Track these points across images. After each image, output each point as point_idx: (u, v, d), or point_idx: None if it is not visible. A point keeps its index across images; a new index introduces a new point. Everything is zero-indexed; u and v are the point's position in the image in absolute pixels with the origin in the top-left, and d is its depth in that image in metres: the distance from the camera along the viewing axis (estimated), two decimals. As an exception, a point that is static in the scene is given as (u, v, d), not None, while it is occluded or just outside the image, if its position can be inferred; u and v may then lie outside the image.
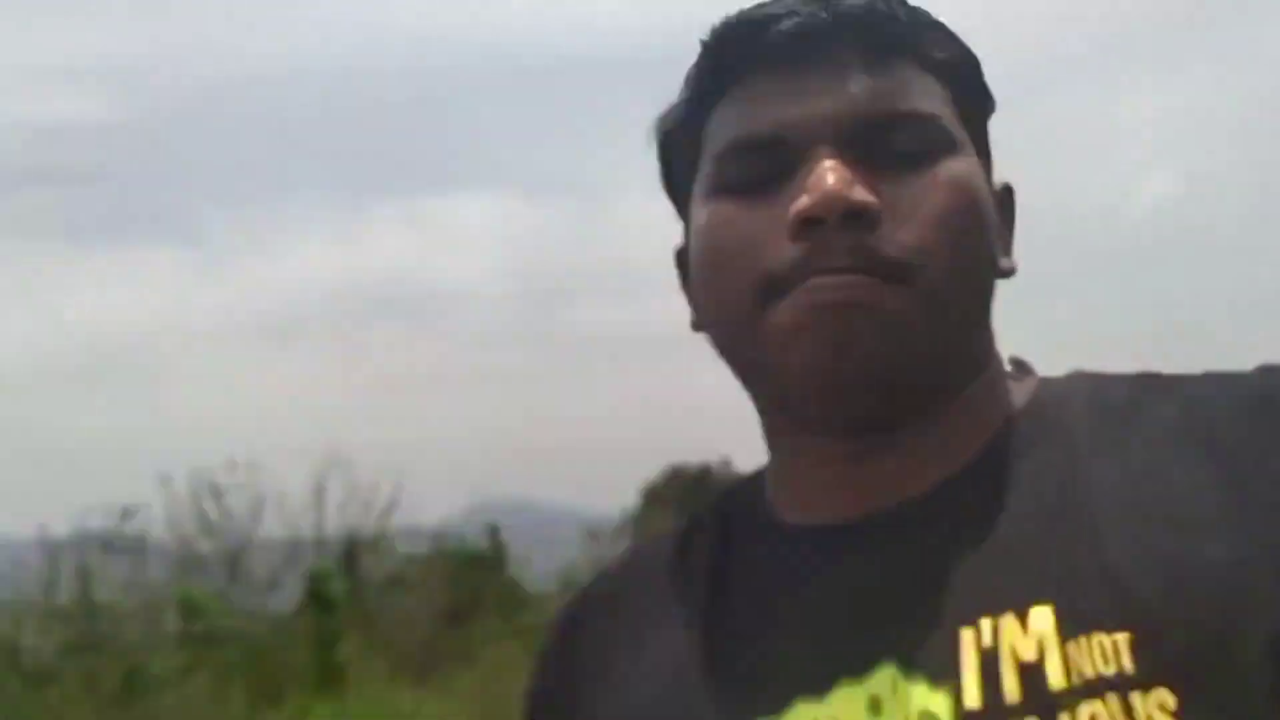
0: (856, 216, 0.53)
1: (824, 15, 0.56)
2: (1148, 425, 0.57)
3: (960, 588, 0.54)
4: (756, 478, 0.67)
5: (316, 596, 10.14)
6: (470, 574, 16.07)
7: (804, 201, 0.54)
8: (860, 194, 0.53)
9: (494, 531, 18.39)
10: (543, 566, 18.93)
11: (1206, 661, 0.48)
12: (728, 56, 0.59)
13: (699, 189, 0.61)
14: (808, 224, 0.54)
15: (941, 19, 0.62)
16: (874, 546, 0.57)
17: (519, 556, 18.26)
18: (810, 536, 0.60)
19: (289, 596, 13.32)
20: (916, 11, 0.60)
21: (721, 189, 0.59)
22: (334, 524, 13.78)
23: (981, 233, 0.58)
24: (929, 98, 0.58)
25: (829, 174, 0.53)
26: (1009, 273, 0.62)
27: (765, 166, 0.57)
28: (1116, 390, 0.60)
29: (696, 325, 0.65)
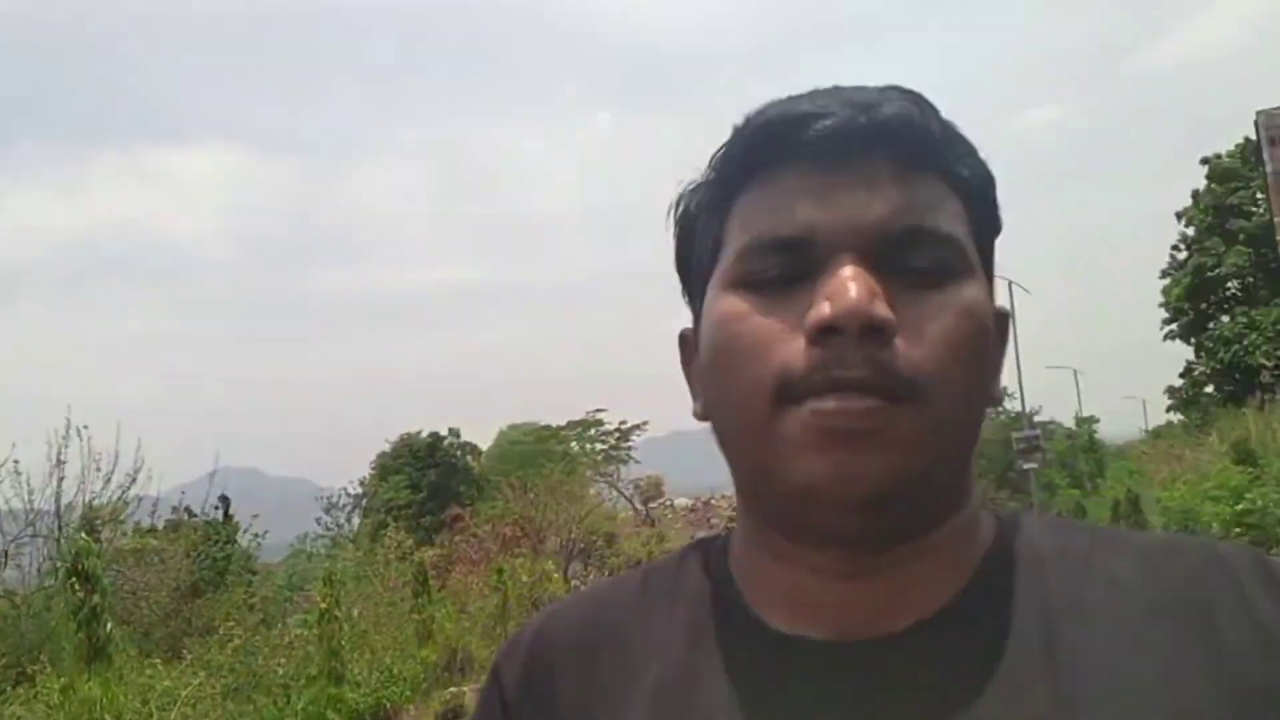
0: (875, 331, 0.54)
1: (861, 120, 0.57)
2: (1114, 592, 0.59)
3: None
4: (716, 559, 0.68)
5: (77, 571, 10.39)
6: (206, 546, 16.26)
7: (825, 310, 0.55)
8: (880, 309, 0.54)
9: (226, 503, 18.56)
10: (276, 537, 19.33)
11: None
12: (760, 146, 0.60)
13: (719, 277, 0.62)
14: (827, 331, 0.55)
15: (967, 135, 0.62)
16: (866, 671, 0.59)
17: (252, 527, 18.54)
18: (800, 649, 0.60)
19: (28, 569, 13.30)
20: (948, 126, 0.61)
21: (742, 283, 0.60)
22: (70, 494, 13.78)
23: (984, 362, 0.59)
24: (950, 218, 0.59)
25: (851, 286, 0.54)
26: (999, 401, 0.63)
27: (788, 265, 0.58)
28: (1076, 541, 0.63)
29: (700, 415, 0.66)
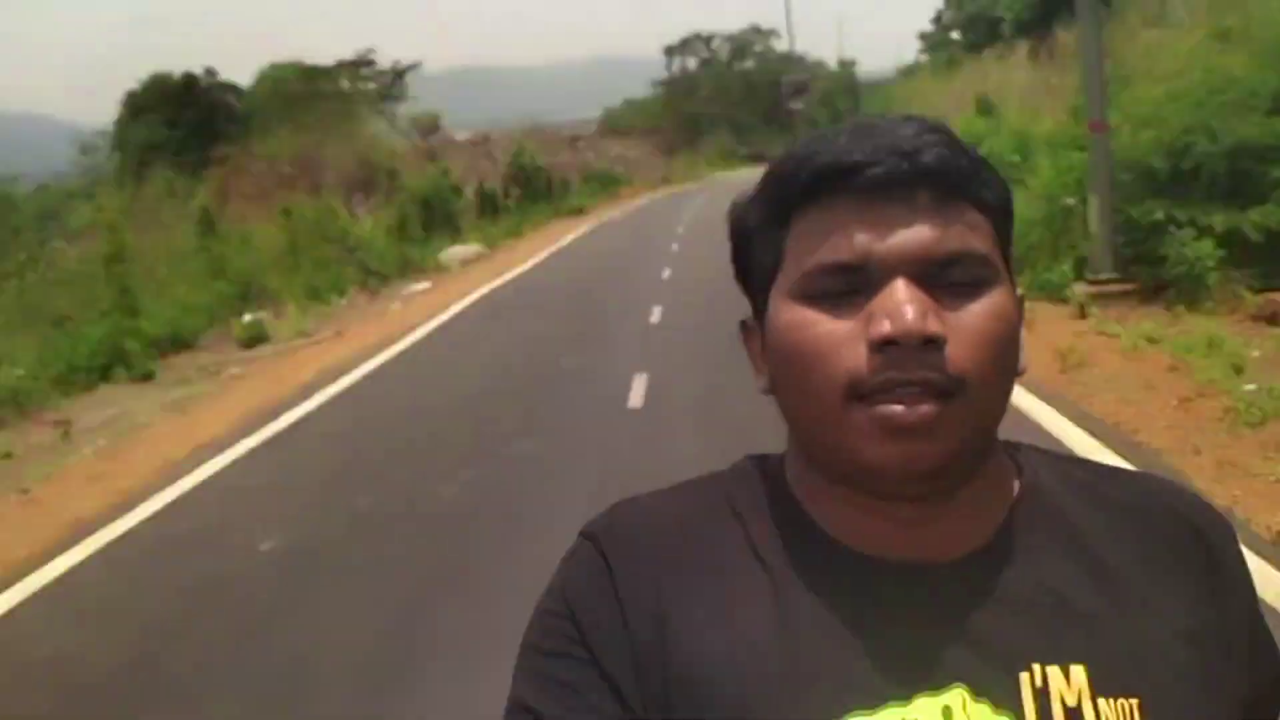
0: (929, 342, 0.64)
1: (905, 166, 0.66)
2: (1126, 515, 0.75)
3: (1018, 636, 0.68)
4: (777, 483, 0.77)
5: None
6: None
7: (887, 326, 0.64)
8: (933, 325, 0.64)
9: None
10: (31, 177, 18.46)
11: None
12: (819, 183, 0.68)
13: (784, 289, 0.71)
14: (888, 343, 0.65)
15: (989, 161, 0.72)
16: (946, 587, 0.70)
17: (7, 169, 17.66)
18: (886, 569, 0.70)
19: None
20: (975, 159, 0.70)
21: (807, 296, 0.69)
22: None
23: (1013, 354, 0.70)
24: (982, 237, 0.69)
25: (908, 305, 0.64)
26: (1023, 372, 0.72)
27: (848, 283, 0.67)
28: (1077, 473, 0.78)
29: (766, 391, 0.76)
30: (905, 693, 0.66)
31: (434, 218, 27.34)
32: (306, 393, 9.55)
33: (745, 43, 73.32)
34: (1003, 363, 0.68)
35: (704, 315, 11.54)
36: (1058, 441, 5.43)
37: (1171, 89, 9.40)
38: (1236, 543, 0.78)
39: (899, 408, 0.64)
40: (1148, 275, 8.97)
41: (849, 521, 0.71)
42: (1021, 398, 6.25)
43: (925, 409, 0.64)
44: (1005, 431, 0.74)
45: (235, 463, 7.29)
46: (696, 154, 62.00)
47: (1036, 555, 0.72)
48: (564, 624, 0.72)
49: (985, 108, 16.01)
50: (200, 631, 4.49)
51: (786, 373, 0.70)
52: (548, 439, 6.98)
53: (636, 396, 7.87)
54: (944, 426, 0.65)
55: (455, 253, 23.14)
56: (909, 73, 38.22)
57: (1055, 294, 9.51)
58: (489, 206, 32.91)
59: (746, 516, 0.74)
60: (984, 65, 24.46)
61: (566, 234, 27.08)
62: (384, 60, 47.73)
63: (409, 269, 20.88)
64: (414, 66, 54.22)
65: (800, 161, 0.69)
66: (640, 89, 76.70)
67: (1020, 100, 17.78)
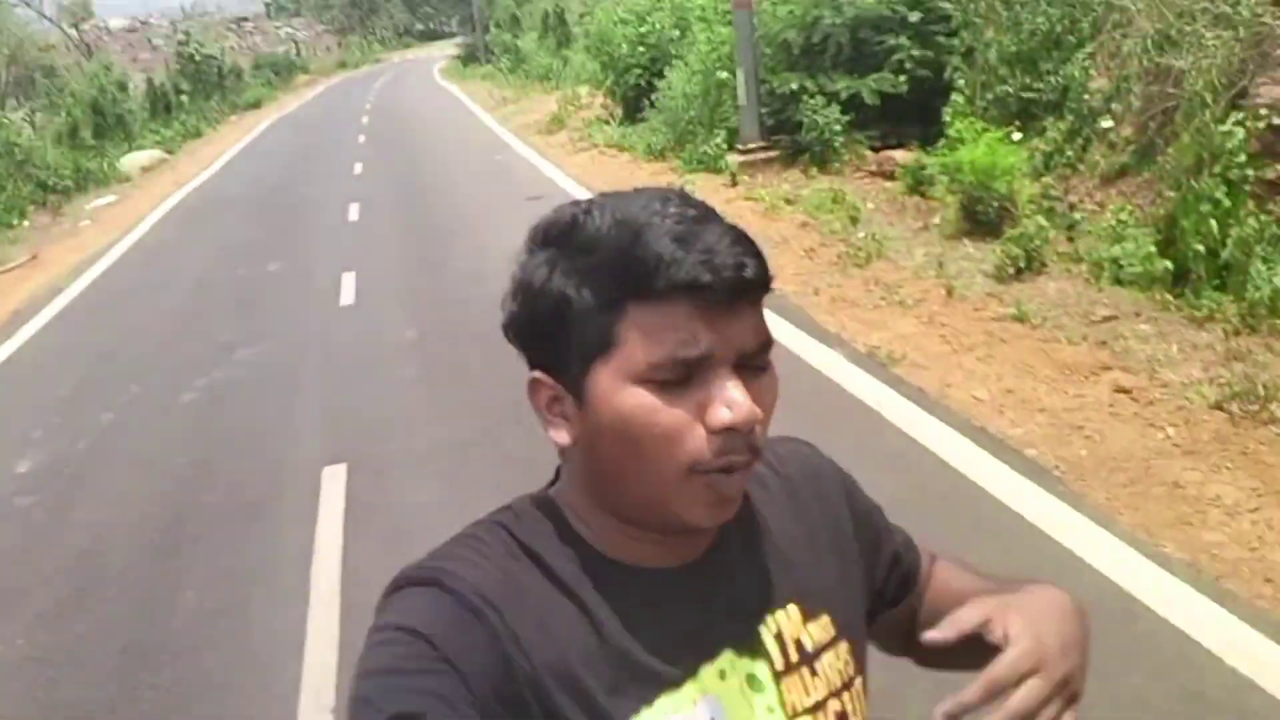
0: (755, 427, 0.79)
1: (735, 277, 0.78)
2: (782, 495, 0.97)
3: (752, 597, 0.90)
4: (559, 522, 0.88)
5: None
6: None
7: (728, 416, 0.78)
8: (757, 411, 0.79)
9: None
10: None
11: (853, 625, 0.96)
12: (658, 283, 0.77)
13: (621, 371, 0.79)
14: (727, 429, 0.78)
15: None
16: (701, 580, 0.88)
17: None
18: (659, 576, 0.87)
19: None
20: (763, 260, 0.81)
21: (646, 380, 0.79)
22: None
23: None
24: (766, 324, 0.83)
25: (743, 398, 0.78)
26: None
27: (685, 372, 0.79)
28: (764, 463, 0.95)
29: (567, 445, 0.85)
30: (694, 667, 0.85)
31: (105, 122, 25.67)
32: (17, 321, 9.36)
33: None
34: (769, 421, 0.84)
35: (400, 210, 12.00)
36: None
37: (802, -34, 10.45)
38: (841, 472, 1.04)
39: (726, 481, 0.80)
40: (788, 142, 10.22)
41: (627, 547, 0.86)
42: None
43: (738, 478, 0.81)
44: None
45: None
46: (370, 33, 59.97)
47: (749, 539, 0.92)
48: (422, 647, 0.77)
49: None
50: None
51: (623, 446, 0.80)
52: (270, 344, 7.41)
53: (347, 294, 8.39)
54: (741, 490, 0.83)
55: (135, 159, 21.97)
56: None
57: (712, 166, 10.68)
58: (160, 105, 31.01)
59: (542, 554, 0.85)
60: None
61: (246, 133, 26.20)
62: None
63: (88, 180, 19.69)
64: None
65: (648, 268, 0.78)
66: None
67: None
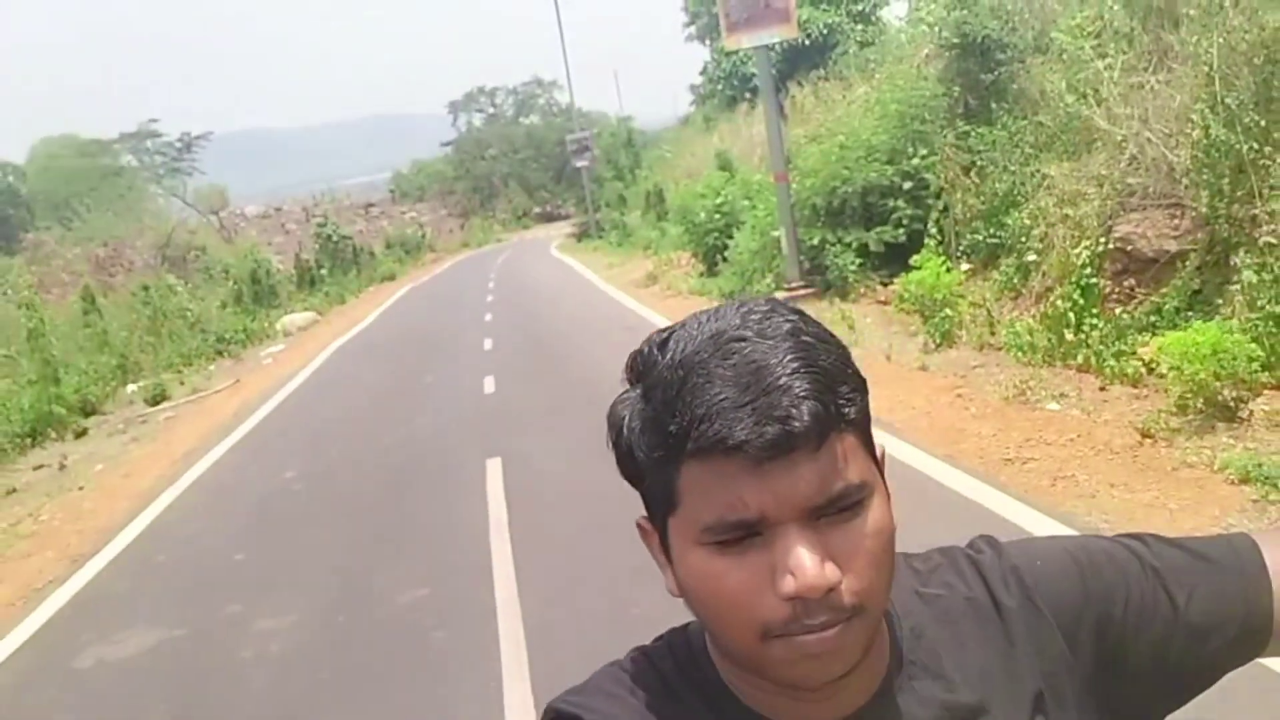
0: (829, 591, 0.72)
1: (783, 431, 0.71)
2: (959, 622, 0.88)
3: None
4: (704, 661, 0.85)
5: None
6: None
7: (792, 584, 0.71)
8: (830, 575, 0.72)
9: None
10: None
11: None
12: (706, 445, 0.72)
13: (686, 535, 0.76)
14: (794, 596, 0.72)
15: (849, 366, 0.77)
16: None
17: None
18: None
19: None
20: (839, 379, 0.75)
21: (708, 544, 0.75)
22: None
23: (892, 551, 0.77)
24: (854, 458, 0.74)
25: (807, 563, 0.71)
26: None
27: (745, 532, 0.73)
28: (915, 606, 0.89)
29: (676, 594, 0.81)
30: None
31: (261, 290, 30.28)
32: (240, 417, 12.84)
33: (529, 96, 75.34)
34: (887, 569, 0.76)
35: (524, 342, 15.35)
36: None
37: (824, 148, 13.65)
38: (1010, 563, 0.91)
39: (810, 639, 0.73)
40: (820, 281, 13.28)
41: (766, 697, 0.82)
42: None
43: (829, 635, 0.73)
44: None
45: (228, 451, 10.66)
46: (491, 215, 64.38)
47: (921, 679, 0.85)
48: None
49: (724, 163, 20.44)
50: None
51: (702, 608, 0.78)
52: (432, 417, 10.61)
53: (489, 386, 11.59)
54: (847, 644, 0.75)
55: (293, 319, 26.04)
56: (684, 124, 41.49)
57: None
58: (306, 278, 35.89)
59: (681, 693, 0.84)
60: (734, 120, 28.77)
61: (388, 298, 30.34)
62: (169, 130, 48.96)
63: (253, 337, 23.74)
64: (205, 136, 55.64)
65: (683, 426, 0.73)
66: (423, 146, 77.99)
67: (761, 151, 22.11)
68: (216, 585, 6.55)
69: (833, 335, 0.78)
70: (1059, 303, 8.49)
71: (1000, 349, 8.58)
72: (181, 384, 17.39)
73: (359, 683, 4.73)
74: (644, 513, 0.83)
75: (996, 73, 11.50)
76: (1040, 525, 4.97)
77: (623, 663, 0.88)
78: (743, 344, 0.74)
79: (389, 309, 26.87)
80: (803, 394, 0.72)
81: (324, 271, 37.80)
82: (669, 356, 0.76)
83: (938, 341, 8.88)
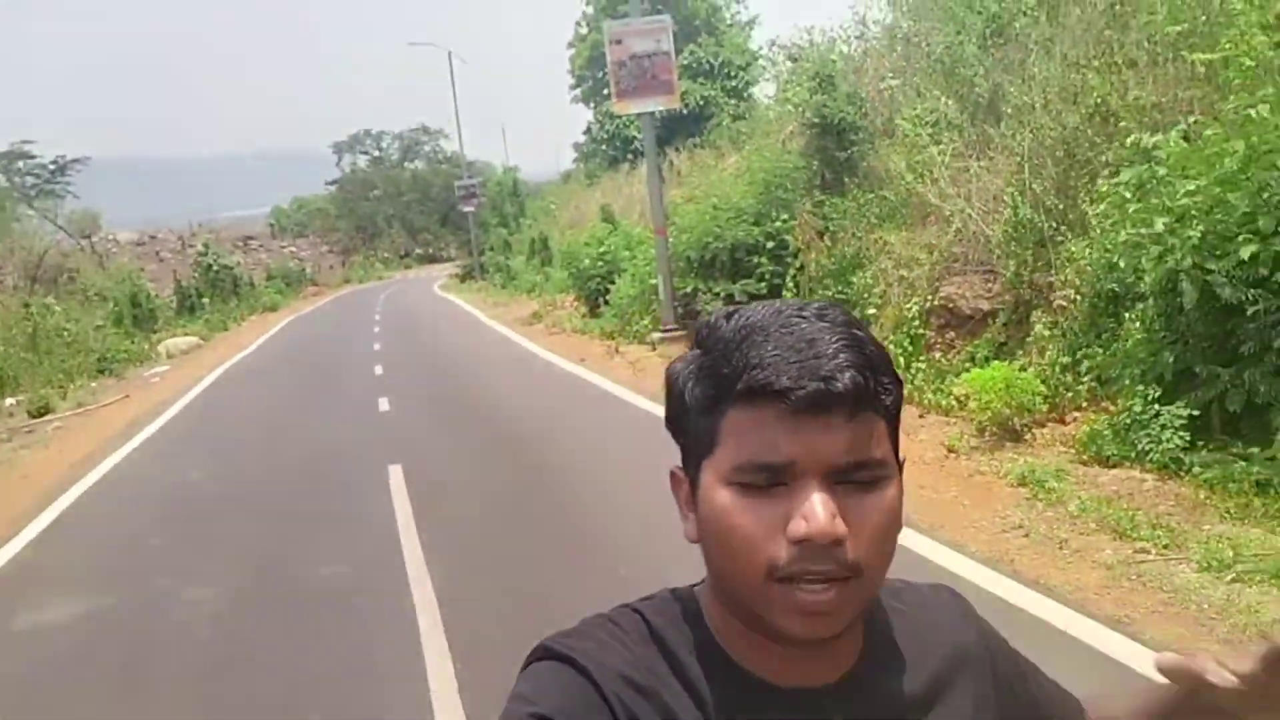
0: (835, 542, 0.77)
1: (825, 389, 0.77)
2: (929, 634, 0.96)
3: None
4: (694, 618, 0.90)
5: None
6: None
7: (804, 528, 0.77)
8: (839, 528, 0.77)
9: None
10: None
11: None
12: (750, 392, 0.79)
13: (715, 471, 0.82)
14: (804, 540, 0.77)
15: (891, 365, 0.84)
16: (831, 706, 0.87)
17: None
18: (786, 695, 0.86)
19: None
20: (879, 370, 0.81)
21: (734, 483, 0.80)
22: None
23: (895, 537, 0.83)
24: (880, 440, 0.81)
25: (821, 511, 0.77)
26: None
27: (770, 478, 0.79)
28: (900, 598, 0.97)
29: (695, 540, 0.87)
30: None
31: (141, 314, 30.34)
32: (138, 425, 13.42)
33: (414, 141, 75.87)
34: (889, 548, 0.83)
35: (411, 362, 16.22)
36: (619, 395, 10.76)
37: (700, 208, 15.13)
38: (989, 636, 1.02)
39: (808, 594, 0.79)
40: (693, 324, 14.53)
41: (757, 655, 0.87)
42: (612, 386, 11.61)
43: (828, 594, 0.79)
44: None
45: (129, 455, 11.25)
46: (373, 253, 64.58)
47: (890, 666, 0.92)
48: None
49: (607, 216, 21.87)
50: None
51: (717, 545, 0.83)
52: (326, 417, 11.46)
53: (384, 404, 12.49)
54: (841, 606, 0.80)
55: (175, 343, 26.22)
56: (567, 178, 43.06)
57: (642, 339, 15.10)
58: (185, 304, 35.92)
59: (675, 651, 0.88)
60: (616, 179, 30.36)
61: (273, 326, 30.75)
62: (44, 153, 47.90)
63: (134, 358, 23.91)
64: (81, 160, 54.49)
65: (735, 371, 0.81)
66: (309, 184, 78.03)
67: (641, 208, 23.56)
68: (139, 564, 7.25)
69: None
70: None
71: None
72: (64, 399, 17.64)
73: (291, 639, 5.54)
74: (669, 473, 0.91)
75: (849, 151, 13.08)
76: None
77: (612, 614, 0.92)
78: (802, 321, 0.81)
79: (275, 335, 27.38)
80: (847, 364, 0.79)
81: (205, 299, 37.77)
82: (733, 323, 0.84)
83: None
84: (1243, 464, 5.90)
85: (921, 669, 0.93)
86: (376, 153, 76.66)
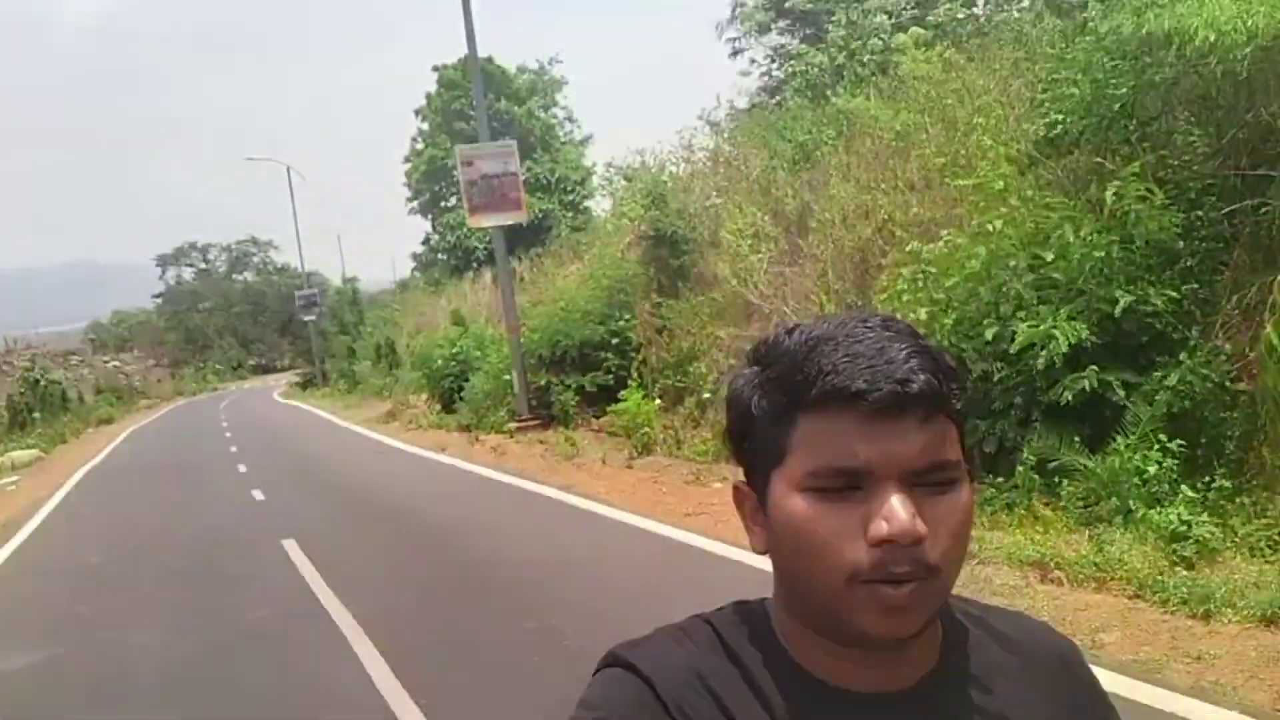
0: (917, 543, 0.78)
1: (899, 391, 0.78)
2: (1014, 653, 0.94)
3: None
4: (763, 628, 0.90)
5: None
6: None
7: (885, 529, 0.77)
8: (920, 527, 0.78)
9: None
10: None
11: None
12: (824, 397, 0.79)
13: (789, 479, 0.82)
14: (886, 541, 0.78)
15: (955, 373, 0.84)
16: (907, 711, 0.86)
17: None
18: (861, 701, 0.86)
19: None
20: (949, 374, 0.82)
21: (809, 489, 0.80)
22: None
23: (969, 538, 0.84)
24: (952, 444, 0.82)
25: (903, 513, 0.77)
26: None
27: (847, 482, 0.79)
28: (972, 609, 0.97)
29: (761, 552, 0.87)
30: None
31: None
32: (9, 529, 13.71)
33: (244, 254, 75.31)
34: (964, 548, 0.84)
35: (267, 457, 16.94)
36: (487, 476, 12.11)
37: (548, 309, 16.77)
38: (1086, 661, 1.02)
39: (890, 590, 0.79)
40: (546, 414, 16.10)
41: (828, 662, 0.86)
42: (475, 468, 12.94)
43: (909, 590, 0.79)
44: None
45: (19, 547, 11.78)
46: (204, 365, 63.68)
47: (965, 678, 0.91)
48: None
49: (458, 319, 23.25)
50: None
51: (792, 552, 0.83)
52: (199, 516, 12.30)
53: (258, 494, 13.36)
54: (921, 602, 0.80)
55: (16, 456, 25.85)
56: (404, 287, 44.21)
57: (499, 429, 16.46)
58: (18, 419, 35.10)
59: (743, 658, 0.88)
60: (462, 286, 31.75)
61: (114, 438, 30.48)
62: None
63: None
64: None
65: (808, 378, 0.80)
66: (125, 297, 76.12)
67: (487, 311, 25.11)
68: (59, 622, 8.05)
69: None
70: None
71: (686, 458, 11.57)
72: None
73: (240, 659, 6.62)
74: (735, 485, 0.92)
75: (682, 259, 14.92)
76: (711, 547, 7.71)
77: (683, 624, 0.92)
78: (869, 331, 0.82)
79: (122, 444, 27.33)
80: (920, 368, 0.80)
81: (35, 415, 36.82)
82: (796, 336, 0.84)
83: (639, 450, 11.81)
84: (993, 490, 7.69)
85: (995, 689, 0.92)
86: (203, 265, 75.85)
